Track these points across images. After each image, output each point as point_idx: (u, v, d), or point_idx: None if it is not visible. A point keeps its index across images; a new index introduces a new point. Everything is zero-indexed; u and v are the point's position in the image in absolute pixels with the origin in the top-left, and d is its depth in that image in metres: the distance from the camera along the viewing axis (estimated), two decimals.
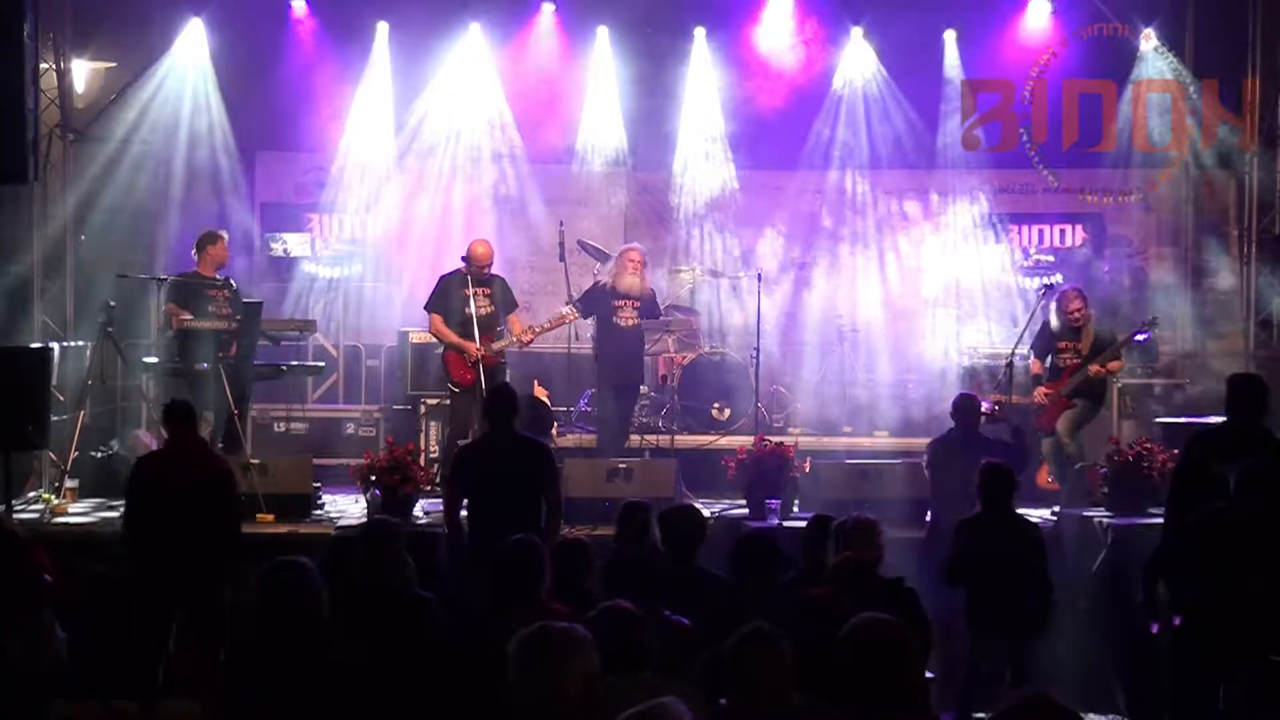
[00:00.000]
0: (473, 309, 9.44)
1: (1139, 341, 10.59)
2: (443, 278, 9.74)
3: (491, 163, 12.84)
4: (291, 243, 12.19)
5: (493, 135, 12.62)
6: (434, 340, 10.68)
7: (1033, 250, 12.14)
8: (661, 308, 11.26)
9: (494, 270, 9.80)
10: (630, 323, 10.01)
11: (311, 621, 4.65)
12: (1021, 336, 10.91)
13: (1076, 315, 9.78)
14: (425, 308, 9.76)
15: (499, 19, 12.36)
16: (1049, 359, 9.90)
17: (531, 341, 9.86)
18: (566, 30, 12.50)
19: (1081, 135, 12.58)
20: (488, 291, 9.64)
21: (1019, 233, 12.30)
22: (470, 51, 12.37)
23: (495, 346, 9.54)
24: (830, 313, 11.74)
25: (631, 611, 4.41)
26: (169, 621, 6.64)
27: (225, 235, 10.24)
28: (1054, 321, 9.89)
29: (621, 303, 9.97)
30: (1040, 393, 9.77)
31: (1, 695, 5.23)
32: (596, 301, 10.07)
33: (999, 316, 12.32)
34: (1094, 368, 9.69)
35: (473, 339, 9.40)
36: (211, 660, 5.52)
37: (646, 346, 11.54)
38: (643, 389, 11.48)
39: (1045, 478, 9.90)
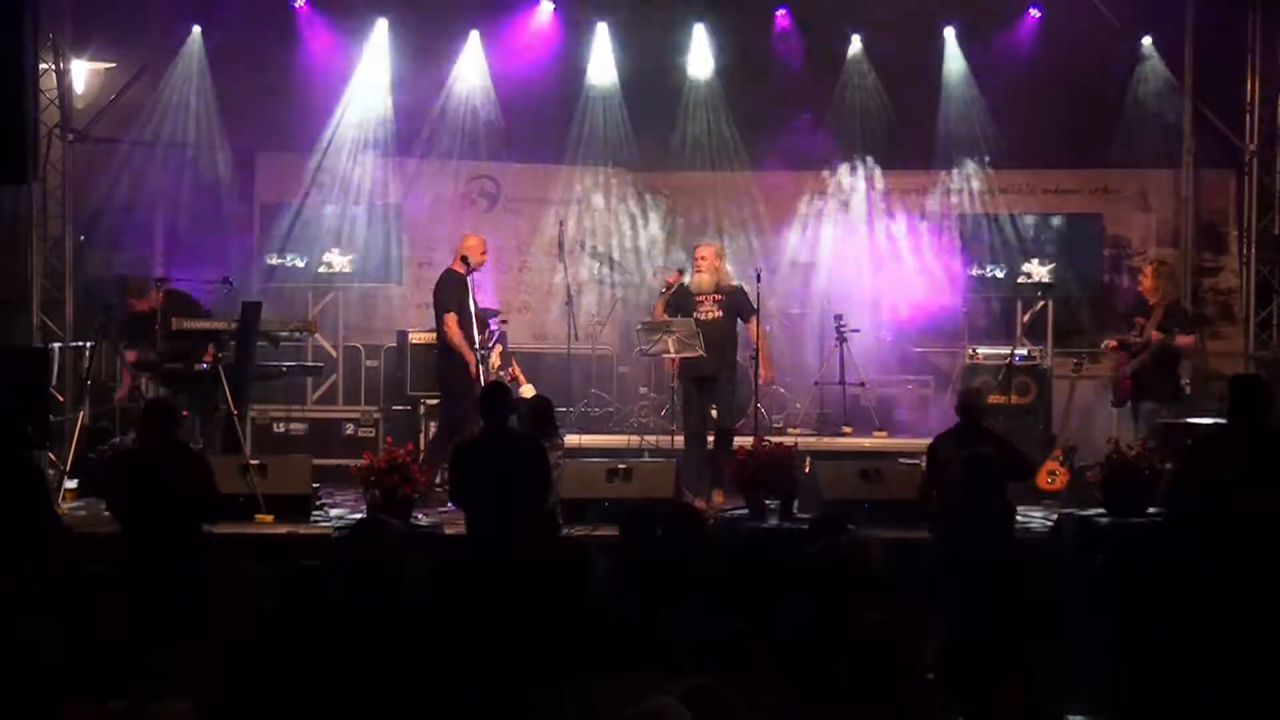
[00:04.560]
0: (471, 307, 9.57)
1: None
2: (452, 277, 9.72)
3: (490, 161, 12.86)
4: (290, 244, 12.18)
5: (491, 133, 12.64)
6: (432, 341, 10.70)
7: (1032, 249, 12.13)
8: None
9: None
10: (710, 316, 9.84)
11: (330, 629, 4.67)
12: (1020, 336, 10.95)
13: (1142, 287, 9.79)
14: (445, 309, 9.62)
15: (498, 17, 12.35)
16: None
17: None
18: (566, 27, 12.49)
19: (1081, 135, 12.57)
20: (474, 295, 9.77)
21: (1018, 233, 12.26)
22: (469, 49, 12.37)
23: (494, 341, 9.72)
24: (830, 313, 11.73)
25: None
26: (154, 621, 6.64)
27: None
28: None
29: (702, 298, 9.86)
30: (1109, 345, 9.95)
31: (7, 696, 5.23)
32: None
33: (999, 316, 12.32)
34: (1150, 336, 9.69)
35: (473, 338, 9.52)
36: (201, 661, 5.51)
37: (646, 347, 11.56)
38: (642, 390, 11.51)
39: (1045, 478, 9.90)
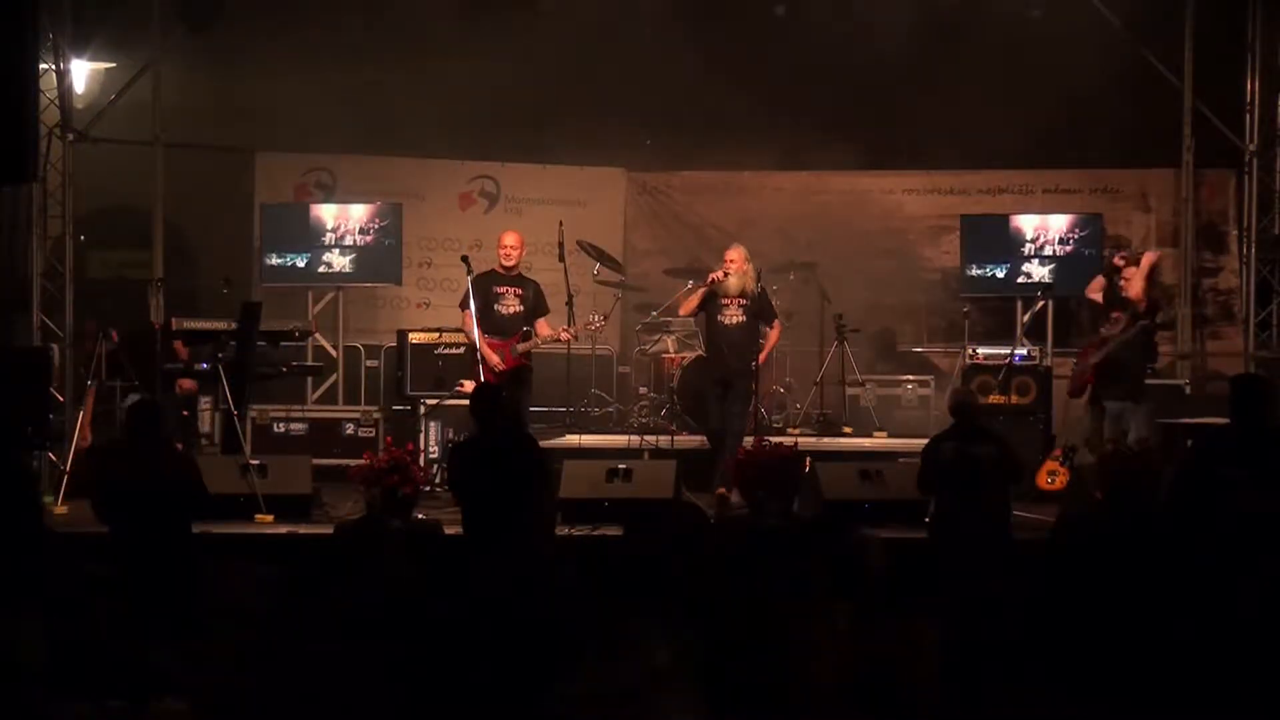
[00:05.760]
0: (501, 308, 9.65)
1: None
2: (476, 276, 9.84)
3: (490, 160, 12.88)
4: (290, 244, 12.16)
5: (490, 131, 12.64)
6: (433, 341, 10.73)
7: (1032, 249, 12.10)
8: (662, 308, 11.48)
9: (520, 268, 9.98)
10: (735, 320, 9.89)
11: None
12: (1020, 336, 10.92)
13: (1122, 283, 9.74)
14: (460, 305, 9.86)
15: (499, 12, 12.33)
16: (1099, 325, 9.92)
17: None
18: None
19: (1081, 135, 12.57)
20: (519, 293, 9.80)
21: (1018, 233, 12.22)
22: (470, 45, 12.35)
23: (520, 348, 9.68)
24: (830, 312, 11.72)
25: None
26: (151, 620, 6.65)
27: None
28: (1114, 280, 9.91)
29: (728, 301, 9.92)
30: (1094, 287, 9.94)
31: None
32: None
33: (998, 316, 12.32)
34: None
35: (499, 337, 9.58)
36: (199, 661, 5.52)
37: (646, 347, 11.60)
38: (642, 390, 11.53)
39: (1044, 478, 9.89)
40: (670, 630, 3.79)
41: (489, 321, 9.66)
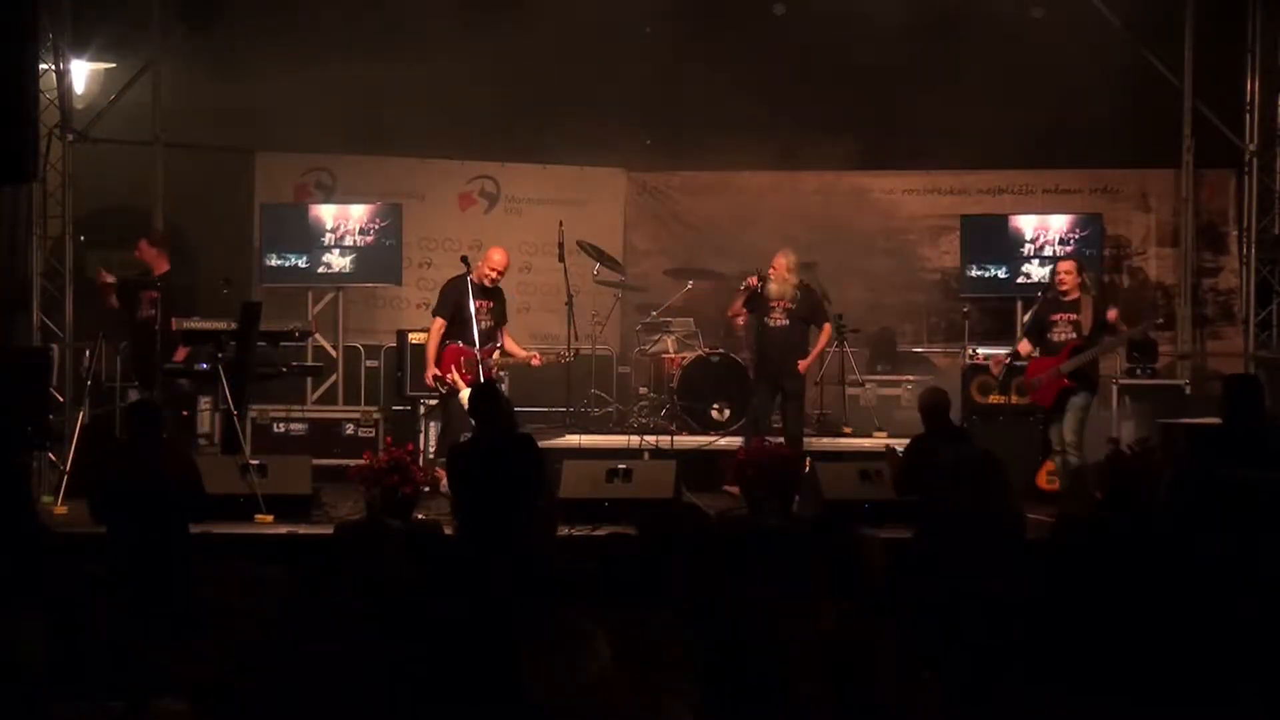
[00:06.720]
0: (475, 322, 9.58)
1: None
2: (451, 283, 9.80)
3: (489, 160, 12.88)
4: (290, 244, 12.16)
5: (490, 132, 12.65)
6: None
7: (1032, 249, 12.10)
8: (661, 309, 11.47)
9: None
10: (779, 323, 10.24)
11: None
12: (1020, 336, 10.87)
13: (1064, 284, 9.67)
14: (433, 313, 9.82)
15: (499, 11, 12.34)
16: (1045, 333, 9.74)
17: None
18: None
19: (1081, 135, 12.57)
20: (491, 306, 9.76)
21: (1018, 233, 12.22)
22: (469, 45, 12.36)
23: (494, 360, 9.67)
24: (830, 312, 11.73)
25: None
26: (150, 620, 6.66)
27: (144, 240, 10.46)
28: (1047, 294, 9.87)
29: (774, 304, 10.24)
30: (1024, 349, 9.84)
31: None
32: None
33: (998, 316, 12.32)
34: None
35: (473, 345, 9.54)
36: (194, 661, 5.52)
37: (646, 347, 11.62)
38: (642, 389, 11.55)
39: (1044, 478, 9.89)
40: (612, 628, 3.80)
41: (463, 334, 9.60)
